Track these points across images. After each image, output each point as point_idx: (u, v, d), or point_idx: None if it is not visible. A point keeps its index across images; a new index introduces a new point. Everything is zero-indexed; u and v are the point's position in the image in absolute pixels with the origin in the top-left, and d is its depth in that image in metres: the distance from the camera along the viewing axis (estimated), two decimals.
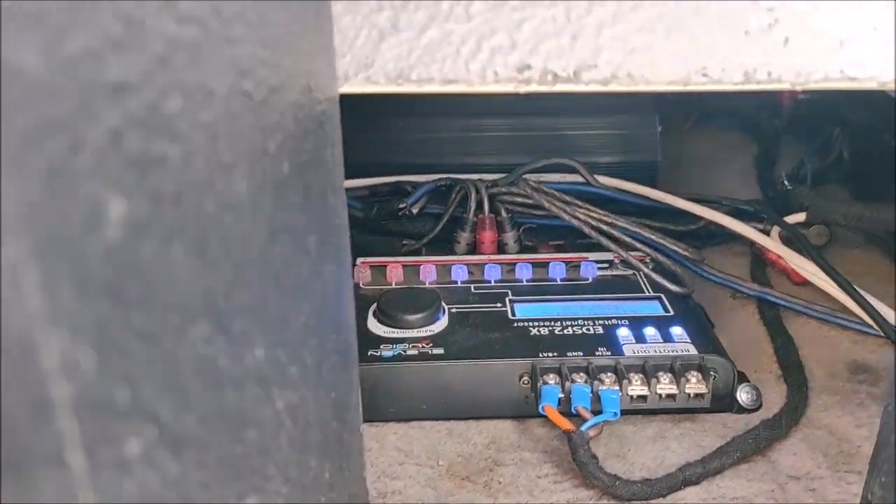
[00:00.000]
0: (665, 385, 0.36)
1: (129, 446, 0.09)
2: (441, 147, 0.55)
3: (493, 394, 0.37)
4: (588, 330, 0.39)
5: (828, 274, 0.44)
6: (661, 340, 0.38)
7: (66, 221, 0.08)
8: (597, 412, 0.35)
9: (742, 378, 0.38)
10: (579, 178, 0.51)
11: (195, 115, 0.11)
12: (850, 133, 0.57)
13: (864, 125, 0.55)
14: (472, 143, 0.55)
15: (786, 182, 0.54)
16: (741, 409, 0.38)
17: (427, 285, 0.44)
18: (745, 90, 0.22)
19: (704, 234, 0.51)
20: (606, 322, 0.40)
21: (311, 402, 0.20)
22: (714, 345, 0.38)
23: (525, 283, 0.45)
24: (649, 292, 0.43)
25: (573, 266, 0.46)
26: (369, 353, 0.37)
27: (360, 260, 0.46)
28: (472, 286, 0.44)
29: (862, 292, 0.43)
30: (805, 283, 0.48)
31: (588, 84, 0.22)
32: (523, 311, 0.41)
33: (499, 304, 0.42)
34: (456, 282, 0.45)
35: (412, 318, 0.40)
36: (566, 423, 0.35)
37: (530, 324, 0.40)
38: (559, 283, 0.45)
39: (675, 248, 0.46)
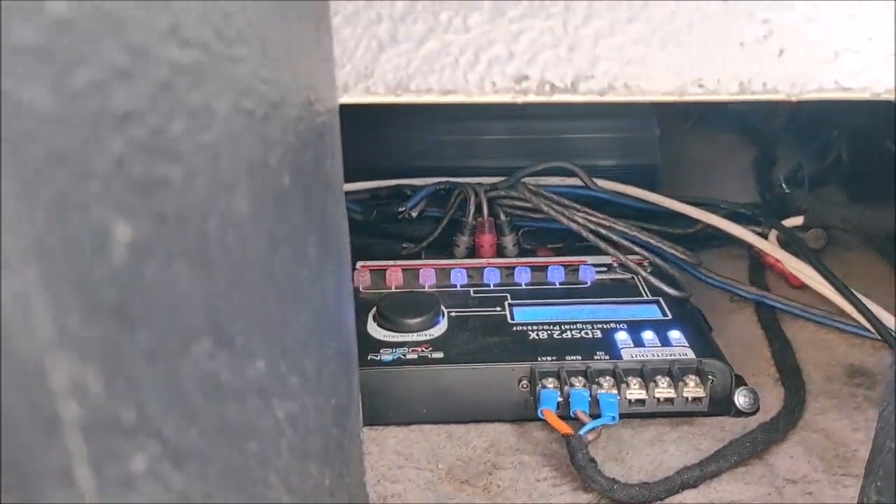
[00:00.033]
0: (663, 389, 0.37)
1: (135, 462, 0.09)
2: (440, 151, 0.55)
3: (492, 397, 0.38)
4: (587, 334, 0.40)
5: (825, 277, 0.44)
6: (660, 344, 0.38)
7: (74, 248, 0.08)
8: (595, 416, 0.36)
9: (740, 381, 0.38)
10: (578, 182, 0.52)
11: (197, 136, 0.11)
12: (849, 135, 0.57)
13: (863, 128, 0.55)
14: (471, 146, 0.55)
15: (784, 185, 0.55)
16: (739, 413, 0.38)
17: (426, 289, 0.45)
18: (741, 100, 0.22)
19: (703, 237, 0.52)
20: (605, 326, 0.40)
21: (312, 409, 0.20)
22: (712, 349, 0.39)
23: (524, 286, 0.45)
24: (647, 296, 0.44)
25: (572, 270, 0.46)
26: (369, 358, 0.38)
27: (359, 264, 0.47)
28: (472, 290, 0.44)
29: (859, 296, 0.43)
30: (803, 287, 0.48)
31: (585, 94, 0.22)
32: (522, 314, 0.42)
33: (498, 308, 0.42)
34: (455, 285, 0.45)
35: (412, 322, 0.40)
36: (565, 427, 0.35)
37: (529, 327, 0.40)
38: (558, 286, 0.45)
39: (673, 252, 0.46)
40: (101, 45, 0.08)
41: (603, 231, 0.46)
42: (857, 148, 0.56)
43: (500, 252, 0.50)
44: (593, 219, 0.47)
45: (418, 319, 0.40)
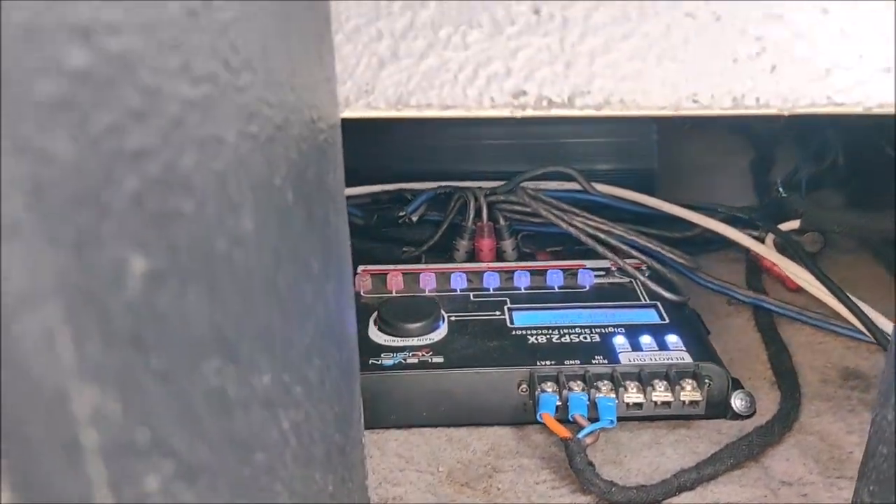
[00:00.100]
0: (660, 393, 0.37)
1: (149, 481, 0.10)
2: (440, 155, 0.56)
3: (491, 401, 0.38)
4: (585, 338, 0.40)
5: (821, 281, 0.45)
6: (657, 348, 0.39)
7: (93, 282, 0.08)
8: (593, 419, 0.36)
9: (736, 385, 0.39)
10: (577, 186, 0.52)
11: (207, 165, 0.11)
12: (845, 139, 0.57)
13: (859, 132, 0.55)
14: (470, 151, 0.56)
15: (780, 189, 0.55)
16: (735, 416, 0.39)
17: (427, 293, 0.45)
18: (734, 115, 0.22)
19: (700, 241, 0.52)
20: (603, 330, 0.41)
21: (315, 418, 0.20)
22: (709, 353, 0.39)
23: (523, 290, 0.45)
24: (645, 300, 0.44)
25: (570, 274, 0.47)
26: (370, 362, 0.38)
27: (361, 268, 0.47)
28: (472, 294, 0.45)
29: (854, 299, 0.43)
30: (799, 290, 0.49)
31: (582, 109, 0.22)
32: (521, 319, 0.42)
33: (497, 313, 0.43)
34: (455, 290, 0.45)
35: (412, 326, 0.40)
36: (563, 431, 0.35)
37: (528, 332, 0.41)
38: (557, 290, 0.46)
39: (671, 256, 0.47)
40: (116, 91, 0.09)
41: (601, 235, 0.47)
42: (853, 152, 0.57)
43: (499, 256, 0.51)
44: (591, 223, 0.48)
45: (419, 324, 0.40)
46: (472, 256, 0.51)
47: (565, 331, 0.41)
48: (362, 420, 0.26)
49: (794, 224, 0.51)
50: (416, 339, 0.40)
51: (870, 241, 0.53)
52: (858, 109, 0.22)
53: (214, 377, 0.13)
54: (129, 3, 0.09)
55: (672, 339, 0.40)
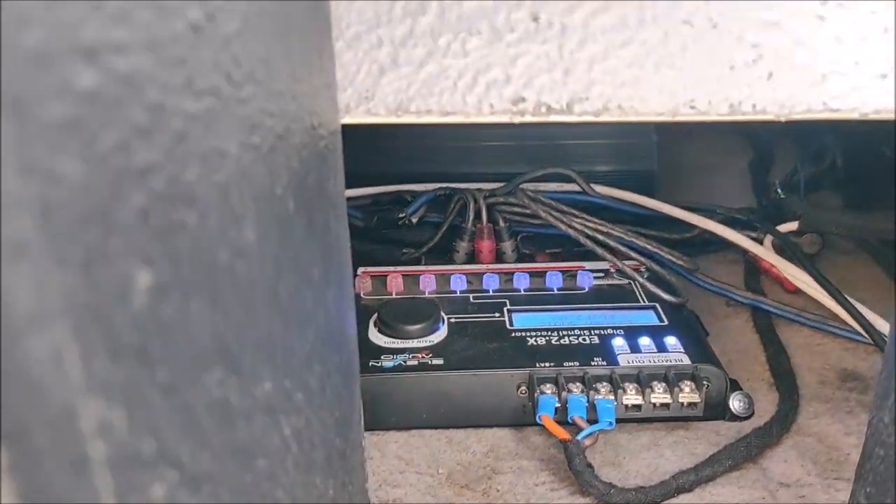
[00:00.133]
0: (659, 394, 0.37)
1: (154, 491, 0.10)
2: (440, 157, 0.56)
3: (491, 403, 0.38)
4: (584, 340, 0.40)
5: (819, 283, 0.45)
6: (656, 350, 0.39)
7: (101, 300, 0.08)
8: (592, 421, 0.36)
9: (735, 386, 0.39)
10: (576, 188, 0.52)
11: (210, 178, 0.11)
12: (844, 140, 0.57)
13: (858, 133, 0.55)
14: (470, 153, 0.56)
15: (779, 190, 0.55)
16: (734, 417, 0.39)
17: (427, 295, 0.45)
18: (731, 121, 0.22)
19: (699, 242, 0.52)
20: (602, 332, 0.41)
21: (316, 423, 0.20)
22: (707, 354, 0.39)
23: (523, 292, 0.46)
24: (644, 302, 0.44)
25: (570, 275, 0.47)
26: (370, 364, 0.38)
27: (361, 270, 0.47)
28: (471, 296, 0.45)
29: (852, 301, 0.44)
30: (798, 292, 0.49)
31: (580, 115, 0.22)
32: (521, 320, 0.42)
33: (497, 314, 0.43)
34: (455, 291, 0.46)
35: (412, 328, 0.41)
36: (562, 433, 0.35)
37: (528, 334, 0.41)
38: (556, 292, 0.46)
39: (670, 257, 0.47)
40: (123, 109, 0.09)
41: (600, 237, 0.47)
42: (852, 153, 0.57)
43: (499, 257, 0.51)
44: (590, 224, 0.48)
45: (419, 326, 0.41)
46: (472, 258, 0.51)
47: (564, 333, 0.41)
48: (362, 423, 0.27)
49: (793, 225, 0.51)
50: (415, 340, 0.40)
51: (868, 243, 0.53)
52: (854, 115, 0.22)
53: (217, 387, 0.13)
54: (136, 21, 0.09)
55: (671, 340, 0.40)
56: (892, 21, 0.21)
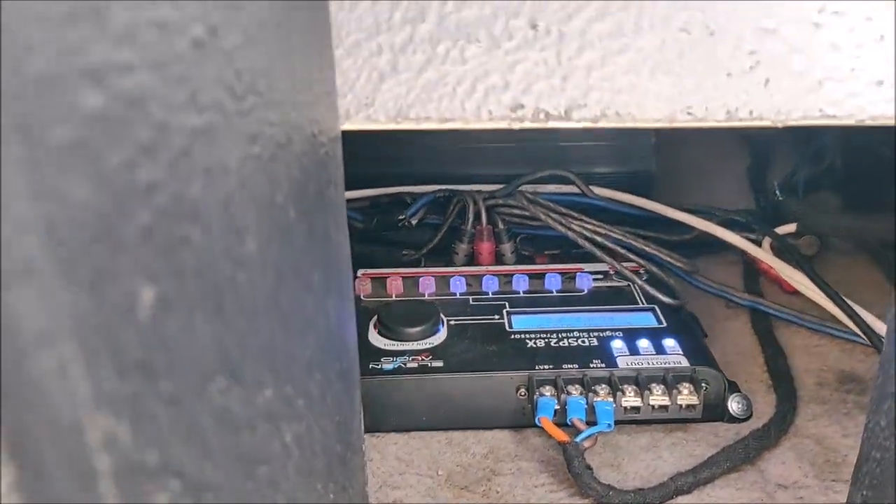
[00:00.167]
0: (658, 396, 0.37)
1: (159, 501, 0.10)
2: (440, 159, 0.56)
3: (490, 405, 0.38)
4: (583, 342, 0.40)
5: (817, 284, 0.45)
6: (654, 352, 0.39)
7: (107, 317, 0.09)
8: (591, 423, 0.36)
9: (733, 388, 0.39)
10: (575, 189, 0.53)
11: (213, 191, 0.12)
12: (842, 142, 0.58)
13: (856, 134, 0.56)
14: (469, 155, 0.56)
15: (777, 192, 0.55)
16: (732, 419, 0.39)
17: (426, 297, 0.45)
18: (728, 126, 0.23)
19: (698, 244, 0.52)
20: (601, 334, 0.41)
21: (317, 429, 0.21)
22: (706, 357, 0.39)
23: (522, 294, 0.46)
24: (643, 304, 0.44)
25: (569, 277, 0.47)
26: (370, 367, 0.39)
27: (360, 271, 0.47)
28: (471, 298, 0.45)
29: (850, 302, 0.44)
30: (796, 293, 0.49)
31: (578, 122, 0.23)
32: (520, 322, 0.42)
33: (496, 316, 0.43)
34: (455, 293, 0.46)
35: (412, 331, 0.41)
36: (562, 435, 0.36)
37: (527, 336, 0.41)
38: (555, 294, 0.46)
39: (669, 259, 0.47)
40: (129, 128, 0.09)
41: (599, 239, 0.47)
42: (850, 155, 0.57)
43: (498, 259, 0.51)
44: (589, 226, 0.48)
45: (418, 328, 0.41)
46: (472, 260, 0.51)
47: (563, 335, 0.41)
48: (362, 427, 0.27)
49: (791, 227, 0.51)
50: (415, 343, 0.40)
51: (866, 244, 0.54)
52: (851, 122, 0.22)
53: (219, 397, 0.13)
54: (140, 41, 0.09)
55: (669, 342, 0.40)
56: (887, 28, 0.21)
